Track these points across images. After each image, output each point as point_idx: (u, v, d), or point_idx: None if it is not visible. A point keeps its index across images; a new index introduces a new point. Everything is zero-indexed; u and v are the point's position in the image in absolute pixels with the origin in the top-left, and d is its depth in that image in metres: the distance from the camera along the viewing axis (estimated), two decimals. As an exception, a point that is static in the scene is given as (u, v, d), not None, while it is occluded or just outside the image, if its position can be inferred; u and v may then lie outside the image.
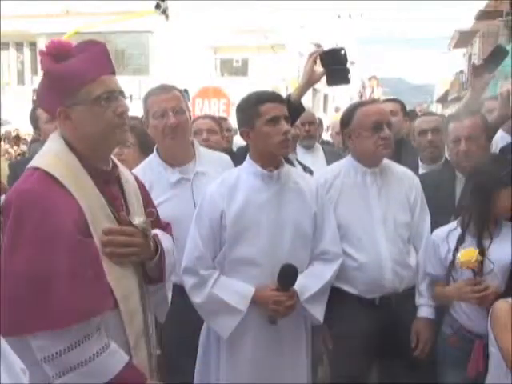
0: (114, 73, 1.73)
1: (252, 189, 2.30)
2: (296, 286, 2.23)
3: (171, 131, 2.46)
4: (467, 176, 2.45)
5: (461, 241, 2.31)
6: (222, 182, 2.33)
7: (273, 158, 2.31)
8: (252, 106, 2.27)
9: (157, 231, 1.87)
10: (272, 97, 2.30)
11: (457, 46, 25.43)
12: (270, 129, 2.23)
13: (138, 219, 1.72)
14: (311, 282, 2.30)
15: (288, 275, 2.20)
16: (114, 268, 1.61)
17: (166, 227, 2.01)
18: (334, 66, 2.55)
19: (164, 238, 1.88)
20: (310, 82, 2.61)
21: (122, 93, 1.70)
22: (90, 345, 1.51)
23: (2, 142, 12.93)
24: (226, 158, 2.75)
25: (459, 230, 2.33)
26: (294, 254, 2.28)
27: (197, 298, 2.25)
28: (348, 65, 2.59)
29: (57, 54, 1.63)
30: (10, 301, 1.44)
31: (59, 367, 1.48)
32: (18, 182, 1.61)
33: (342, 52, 2.55)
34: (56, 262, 1.46)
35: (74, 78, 1.60)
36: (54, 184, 1.54)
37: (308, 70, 2.58)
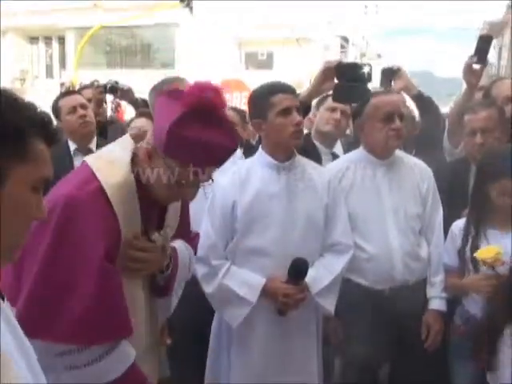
0: None
1: (264, 179, 2.31)
2: (307, 279, 2.25)
3: None
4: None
5: (466, 236, 2.31)
6: (234, 172, 2.35)
7: (285, 149, 2.33)
8: (264, 97, 2.27)
9: (178, 243, 1.86)
10: (284, 88, 2.30)
11: (486, 37, 24.82)
12: (282, 120, 2.23)
13: (157, 234, 1.70)
14: (322, 274, 2.31)
15: (299, 269, 2.21)
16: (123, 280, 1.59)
17: (193, 238, 2.02)
18: (349, 81, 2.35)
19: (182, 251, 1.87)
20: (319, 91, 2.52)
21: None
22: (100, 347, 1.53)
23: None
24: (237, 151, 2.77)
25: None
26: (305, 245, 2.30)
27: (208, 288, 2.28)
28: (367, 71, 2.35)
29: None
30: (35, 303, 1.46)
31: (68, 363, 1.50)
32: (72, 177, 1.60)
33: (365, 70, 2.33)
34: (83, 283, 1.47)
35: None
36: (104, 203, 1.53)
37: (318, 79, 2.45)
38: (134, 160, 1.63)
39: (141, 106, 3.52)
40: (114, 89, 3.61)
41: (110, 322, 1.52)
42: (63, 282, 1.47)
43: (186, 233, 1.94)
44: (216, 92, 1.53)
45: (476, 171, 2.38)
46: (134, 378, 1.60)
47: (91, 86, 3.77)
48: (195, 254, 2.04)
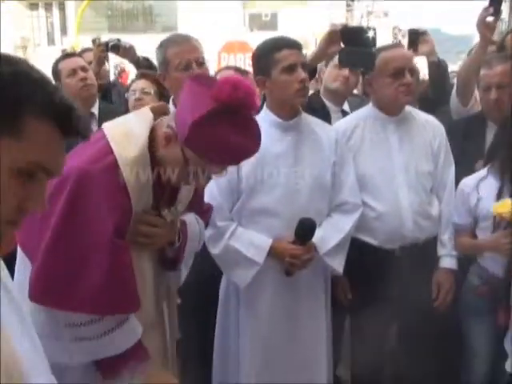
0: None
1: (269, 139, 2.23)
2: (315, 239, 2.21)
3: None
4: (502, 124, 2.35)
5: (500, 192, 2.23)
6: None
7: (289, 107, 2.26)
8: (268, 53, 2.19)
9: (189, 216, 1.83)
10: (289, 43, 2.22)
11: (497, -8, 24.15)
12: (287, 77, 2.16)
13: (167, 210, 1.67)
14: (330, 234, 2.28)
15: (306, 229, 2.17)
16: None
17: (206, 210, 1.99)
18: (355, 46, 2.30)
19: (193, 224, 1.84)
20: (324, 55, 2.44)
21: None
22: (109, 321, 1.53)
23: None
24: None
25: (491, 180, 2.26)
26: (312, 205, 2.25)
27: (214, 249, 2.25)
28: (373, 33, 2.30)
29: None
30: (45, 273, 1.46)
31: (76, 334, 1.51)
32: (88, 147, 1.52)
33: (369, 34, 2.29)
34: (93, 257, 1.48)
35: None
36: (117, 178, 1.50)
37: (323, 43, 2.36)
38: (152, 134, 1.57)
39: (143, 66, 3.42)
40: (115, 46, 3.49)
41: (119, 296, 1.52)
42: (73, 255, 1.47)
43: (199, 207, 1.91)
44: (249, 92, 1.44)
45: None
46: (139, 354, 1.60)
47: (93, 43, 3.65)
48: (207, 226, 2.01)
